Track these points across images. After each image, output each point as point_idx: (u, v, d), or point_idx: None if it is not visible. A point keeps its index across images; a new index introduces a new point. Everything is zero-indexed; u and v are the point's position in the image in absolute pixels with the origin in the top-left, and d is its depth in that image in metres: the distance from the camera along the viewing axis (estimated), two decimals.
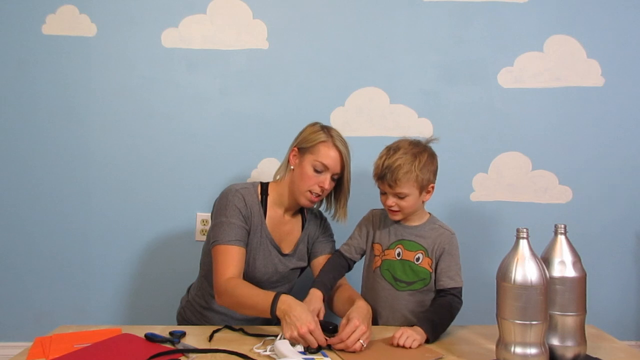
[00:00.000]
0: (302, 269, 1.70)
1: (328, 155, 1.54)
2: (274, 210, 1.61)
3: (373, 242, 1.55)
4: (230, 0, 2.05)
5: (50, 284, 2.09)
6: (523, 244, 1.14)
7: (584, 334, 1.20)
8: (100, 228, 2.07)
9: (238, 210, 1.52)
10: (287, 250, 1.63)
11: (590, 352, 1.22)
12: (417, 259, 1.48)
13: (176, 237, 2.08)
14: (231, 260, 1.46)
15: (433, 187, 1.50)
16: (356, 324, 1.26)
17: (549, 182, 2.09)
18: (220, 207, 1.55)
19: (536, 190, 2.09)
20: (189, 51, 2.05)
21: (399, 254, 1.49)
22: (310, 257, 1.68)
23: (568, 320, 1.18)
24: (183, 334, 1.36)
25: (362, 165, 2.07)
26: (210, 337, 1.35)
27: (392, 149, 1.47)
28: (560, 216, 1.97)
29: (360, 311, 1.34)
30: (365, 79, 2.07)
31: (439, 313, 1.41)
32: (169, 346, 1.29)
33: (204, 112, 2.06)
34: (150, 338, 1.32)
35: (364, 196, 2.06)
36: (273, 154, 2.07)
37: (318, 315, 1.38)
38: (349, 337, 1.25)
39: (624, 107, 2.08)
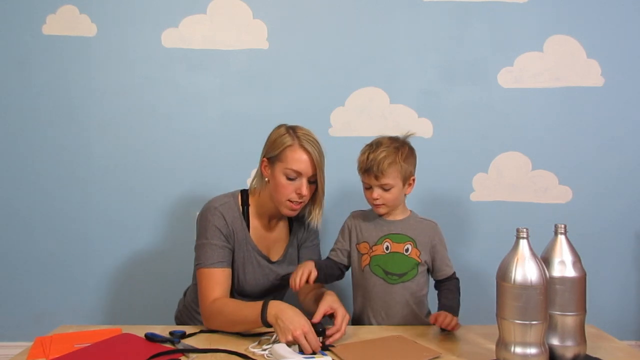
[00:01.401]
0: None
1: (297, 160, 1.46)
2: (257, 221, 1.57)
3: (358, 242, 1.56)
4: (230, 0, 2.05)
5: (50, 284, 2.09)
6: (523, 244, 1.13)
7: (584, 333, 1.20)
8: (100, 228, 2.08)
9: (218, 230, 1.48)
10: (276, 257, 1.60)
11: (590, 352, 1.22)
12: (406, 250, 1.51)
13: (176, 237, 2.08)
14: (215, 283, 1.44)
15: (414, 180, 1.54)
16: (344, 313, 1.35)
17: (549, 182, 2.09)
18: (200, 228, 1.51)
19: (536, 190, 2.10)
20: (189, 51, 2.05)
21: (387, 248, 1.51)
22: (297, 262, 1.65)
23: (568, 320, 1.18)
24: (183, 334, 1.36)
25: None
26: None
27: (374, 144, 1.51)
28: (560, 216, 1.96)
29: (334, 298, 1.41)
30: (365, 79, 2.07)
31: (456, 299, 1.52)
32: (169, 346, 1.29)
33: (204, 112, 2.06)
34: (150, 338, 1.32)
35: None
36: None
37: (309, 278, 1.41)
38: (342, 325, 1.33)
39: (624, 107, 2.08)
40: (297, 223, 1.65)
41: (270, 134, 1.54)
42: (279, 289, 1.64)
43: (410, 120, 2.07)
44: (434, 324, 1.39)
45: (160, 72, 2.05)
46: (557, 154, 2.08)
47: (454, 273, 1.56)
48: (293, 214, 1.53)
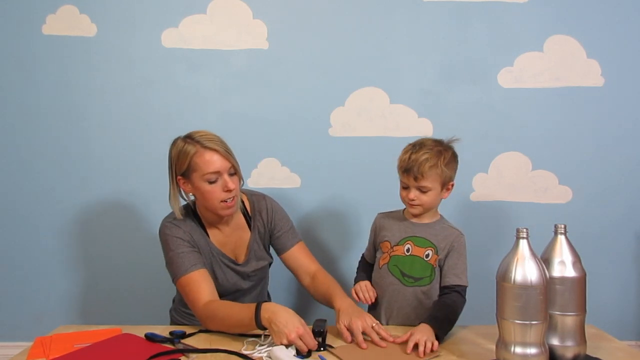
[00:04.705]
0: (269, 264, 1.68)
1: (209, 161, 1.44)
2: (212, 228, 1.56)
3: (381, 241, 1.56)
4: (230, 0, 2.05)
5: (50, 284, 2.09)
6: (523, 244, 1.13)
7: (584, 333, 1.20)
8: (100, 228, 2.08)
9: (179, 239, 1.48)
10: (242, 258, 1.60)
11: (590, 352, 1.22)
12: (427, 256, 1.50)
13: None
14: (198, 286, 1.43)
15: (453, 185, 1.52)
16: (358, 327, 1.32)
17: (549, 182, 2.09)
18: (163, 245, 1.51)
19: (536, 190, 2.10)
20: (189, 51, 2.05)
21: (408, 250, 1.51)
22: (278, 253, 1.65)
23: (568, 320, 1.18)
24: (183, 334, 1.36)
25: (363, 164, 2.08)
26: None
27: (417, 145, 1.48)
28: (560, 216, 1.97)
29: (350, 313, 1.36)
30: (365, 79, 2.07)
31: (443, 310, 1.43)
32: (169, 346, 1.29)
33: (204, 112, 2.06)
34: (150, 338, 1.32)
35: (370, 194, 2.06)
36: (273, 154, 2.07)
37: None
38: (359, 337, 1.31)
39: (624, 107, 2.08)
40: (255, 217, 1.62)
41: (171, 153, 1.50)
42: (256, 282, 1.64)
43: (410, 120, 2.07)
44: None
45: (160, 72, 2.05)
46: (557, 154, 2.08)
47: (459, 286, 1.48)
48: (232, 211, 1.52)
